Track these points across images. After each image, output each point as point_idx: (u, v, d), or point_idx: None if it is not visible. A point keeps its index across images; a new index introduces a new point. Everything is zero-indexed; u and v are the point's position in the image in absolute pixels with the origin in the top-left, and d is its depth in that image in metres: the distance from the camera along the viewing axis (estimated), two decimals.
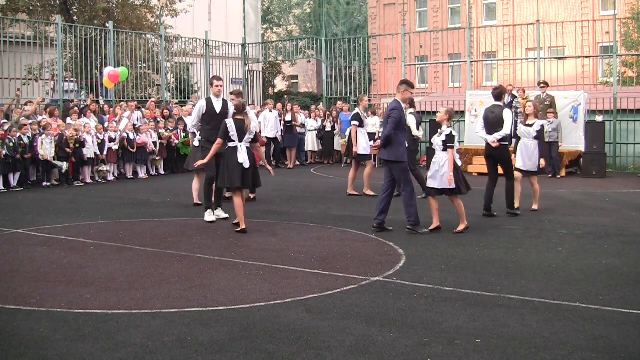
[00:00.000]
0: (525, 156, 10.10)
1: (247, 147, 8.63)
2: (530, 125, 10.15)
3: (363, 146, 11.83)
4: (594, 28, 24.55)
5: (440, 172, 8.40)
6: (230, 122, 8.66)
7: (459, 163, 8.68)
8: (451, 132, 8.42)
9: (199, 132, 10.08)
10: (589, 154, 15.75)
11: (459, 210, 8.51)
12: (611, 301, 5.42)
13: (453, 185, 8.33)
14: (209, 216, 9.42)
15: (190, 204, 11.01)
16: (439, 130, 8.62)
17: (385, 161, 8.72)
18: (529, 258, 7.04)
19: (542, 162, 10.13)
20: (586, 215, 9.98)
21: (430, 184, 8.54)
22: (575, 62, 21.49)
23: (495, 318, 5.00)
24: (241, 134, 8.59)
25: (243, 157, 8.53)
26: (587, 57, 22.49)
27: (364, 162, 12.08)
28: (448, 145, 8.38)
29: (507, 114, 9.51)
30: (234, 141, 8.60)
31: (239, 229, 8.53)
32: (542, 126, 10.26)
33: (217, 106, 9.68)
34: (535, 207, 10.22)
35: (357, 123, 11.85)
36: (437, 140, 8.53)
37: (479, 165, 15.12)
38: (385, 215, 8.60)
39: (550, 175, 15.39)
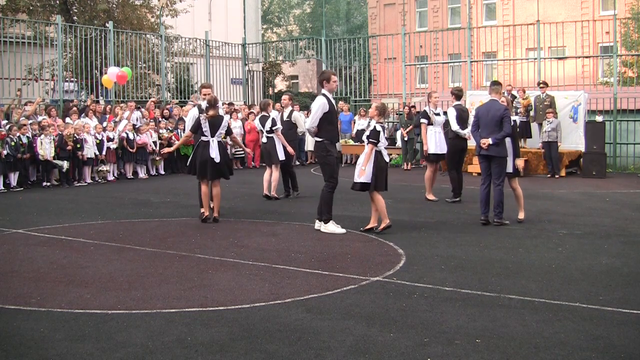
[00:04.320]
0: None
1: (218, 142, 9.19)
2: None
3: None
4: (594, 28, 24.55)
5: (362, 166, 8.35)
6: (203, 118, 9.16)
7: (386, 159, 8.52)
8: (375, 128, 8.32)
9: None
10: (589, 154, 15.75)
11: (378, 206, 8.40)
12: (611, 301, 5.42)
13: (363, 179, 8.28)
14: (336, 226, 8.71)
15: (190, 204, 11.04)
16: (368, 125, 8.54)
17: (488, 157, 8.91)
18: (529, 258, 7.04)
19: (519, 162, 9.10)
20: (586, 215, 9.98)
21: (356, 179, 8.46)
22: (575, 62, 21.49)
23: (495, 318, 5.00)
24: (214, 129, 9.10)
25: (215, 152, 9.09)
26: (587, 57, 22.49)
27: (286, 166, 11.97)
28: (370, 140, 8.29)
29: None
30: (206, 136, 9.14)
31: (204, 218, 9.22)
32: (515, 122, 9.36)
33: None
34: (520, 216, 9.33)
35: (425, 121, 11.59)
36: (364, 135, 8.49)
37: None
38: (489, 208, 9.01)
39: (549, 175, 15.43)
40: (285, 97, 12.73)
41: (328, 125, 8.56)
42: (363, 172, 8.28)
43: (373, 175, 8.28)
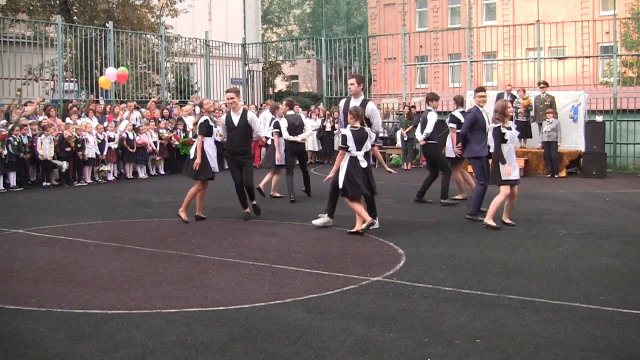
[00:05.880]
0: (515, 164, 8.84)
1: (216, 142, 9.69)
2: (509, 129, 8.66)
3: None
4: (594, 28, 24.55)
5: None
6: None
7: (363, 165, 8.24)
8: (344, 134, 8.26)
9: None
10: (589, 154, 15.75)
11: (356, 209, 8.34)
12: (611, 301, 5.42)
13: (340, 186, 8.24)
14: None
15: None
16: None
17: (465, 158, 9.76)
18: (529, 258, 7.04)
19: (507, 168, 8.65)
20: (586, 215, 9.98)
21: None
22: (575, 62, 21.49)
23: (495, 318, 5.00)
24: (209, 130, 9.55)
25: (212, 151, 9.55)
26: (587, 57, 22.49)
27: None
28: (340, 146, 8.27)
29: (431, 116, 11.04)
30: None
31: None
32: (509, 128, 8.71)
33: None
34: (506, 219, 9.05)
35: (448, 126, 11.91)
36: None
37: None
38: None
39: (549, 175, 15.43)
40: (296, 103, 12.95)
41: None
42: (329, 179, 8.48)
43: (347, 182, 8.23)
